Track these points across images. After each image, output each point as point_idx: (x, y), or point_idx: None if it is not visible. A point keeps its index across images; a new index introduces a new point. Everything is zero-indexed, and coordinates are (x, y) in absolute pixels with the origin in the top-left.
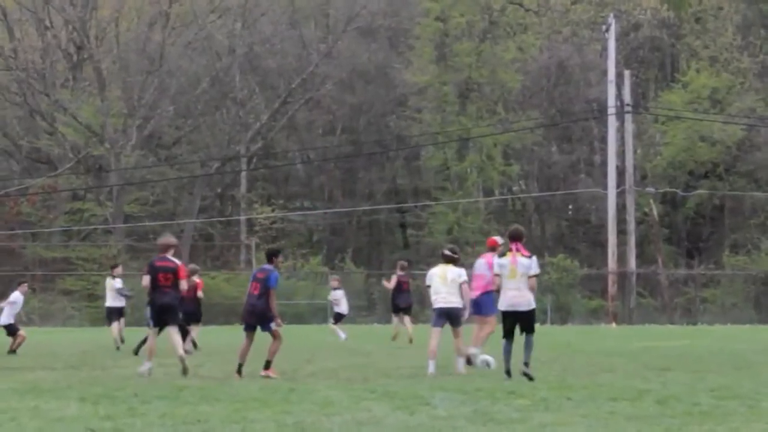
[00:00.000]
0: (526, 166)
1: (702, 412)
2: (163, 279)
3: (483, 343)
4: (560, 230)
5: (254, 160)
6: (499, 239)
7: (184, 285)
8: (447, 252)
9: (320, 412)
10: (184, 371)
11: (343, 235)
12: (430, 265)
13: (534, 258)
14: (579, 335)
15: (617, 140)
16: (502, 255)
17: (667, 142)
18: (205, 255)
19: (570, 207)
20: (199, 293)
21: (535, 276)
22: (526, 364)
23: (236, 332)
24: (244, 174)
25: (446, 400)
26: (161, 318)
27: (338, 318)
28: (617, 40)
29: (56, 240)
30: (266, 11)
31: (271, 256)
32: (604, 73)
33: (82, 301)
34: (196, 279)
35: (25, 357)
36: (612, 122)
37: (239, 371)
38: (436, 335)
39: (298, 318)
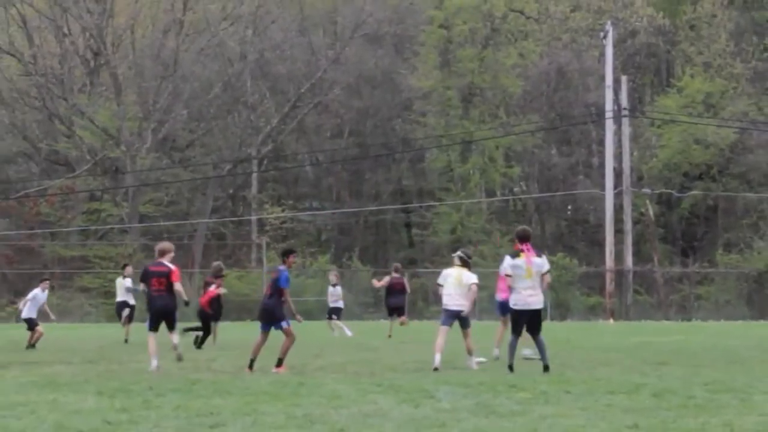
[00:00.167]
0: (527, 168)
1: (696, 405)
2: (157, 283)
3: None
4: (560, 230)
5: (265, 162)
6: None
7: (178, 287)
8: (462, 255)
9: (328, 405)
10: (179, 359)
11: (350, 235)
12: (435, 263)
13: (543, 256)
14: (578, 331)
15: (614, 143)
16: (515, 256)
17: (663, 145)
18: (218, 253)
19: (569, 207)
20: (221, 290)
21: (548, 272)
22: (547, 367)
23: (247, 328)
24: (255, 175)
25: (450, 394)
26: (159, 321)
27: (339, 313)
28: (614, 46)
29: (74, 239)
30: (276, 19)
31: (283, 256)
32: (602, 78)
33: (98, 298)
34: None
35: (44, 352)
36: (609, 126)
37: (251, 366)
38: (443, 333)
39: (306, 314)
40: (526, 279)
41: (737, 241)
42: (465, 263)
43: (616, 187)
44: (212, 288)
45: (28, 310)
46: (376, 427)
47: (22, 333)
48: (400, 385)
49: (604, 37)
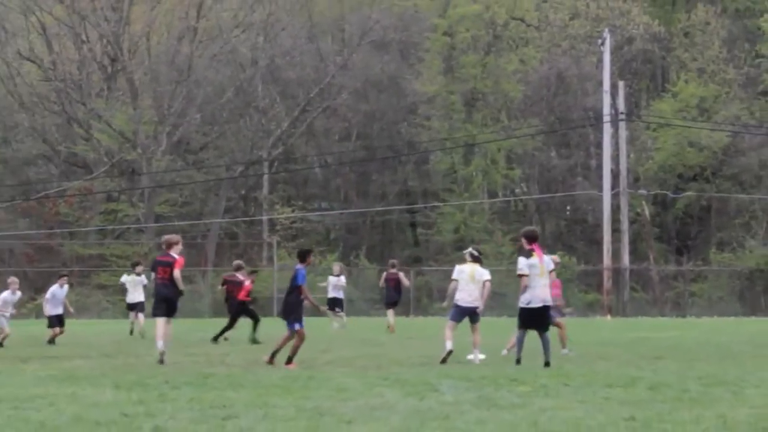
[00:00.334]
0: (528, 169)
1: (691, 398)
2: (162, 272)
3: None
4: (559, 229)
5: (275, 164)
6: (556, 258)
7: (177, 274)
8: (473, 252)
9: (337, 398)
10: (160, 361)
11: (357, 234)
12: (439, 261)
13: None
14: (576, 327)
15: (612, 146)
16: (529, 256)
17: (658, 148)
18: (230, 252)
19: (568, 208)
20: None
21: (553, 270)
22: (548, 363)
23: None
24: (266, 177)
25: (453, 387)
26: (162, 308)
27: (340, 304)
28: (612, 52)
29: (92, 238)
30: (286, 26)
31: (301, 256)
32: (600, 83)
33: (116, 295)
34: (240, 276)
35: (63, 347)
36: (607, 129)
37: (272, 358)
38: (452, 327)
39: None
40: (540, 277)
41: (730, 240)
42: (476, 259)
43: (613, 188)
44: (247, 283)
45: (50, 307)
46: (382, 420)
47: (42, 329)
48: (405, 378)
49: (602, 43)
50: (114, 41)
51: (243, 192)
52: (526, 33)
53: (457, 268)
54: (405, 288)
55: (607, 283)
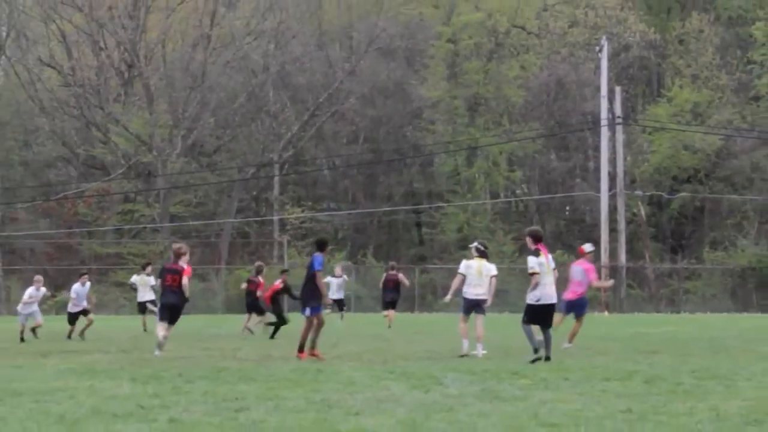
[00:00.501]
0: (528, 171)
1: (685, 391)
2: (170, 280)
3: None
4: (558, 229)
5: (286, 166)
6: (587, 247)
7: (185, 281)
8: (480, 247)
9: (345, 391)
10: (158, 346)
11: (365, 233)
12: (443, 259)
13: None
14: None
15: (609, 149)
16: (537, 255)
17: (654, 151)
18: (242, 251)
19: (567, 208)
20: (258, 292)
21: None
22: (548, 357)
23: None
24: (276, 179)
25: (457, 380)
26: (168, 314)
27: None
28: (609, 59)
29: (109, 237)
30: (297, 34)
31: (318, 245)
32: (598, 88)
33: (132, 292)
34: (259, 279)
35: (82, 341)
36: (604, 133)
37: (301, 349)
38: (464, 320)
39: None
40: (548, 275)
41: (722, 239)
42: (483, 254)
43: (610, 189)
44: (277, 282)
45: (72, 305)
46: (388, 411)
47: (63, 324)
48: (411, 372)
49: (600, 50)
50: (131, 48)
51: (254, 193)
52: (526, 40)
53: (464, 263)
54: (405, 288)
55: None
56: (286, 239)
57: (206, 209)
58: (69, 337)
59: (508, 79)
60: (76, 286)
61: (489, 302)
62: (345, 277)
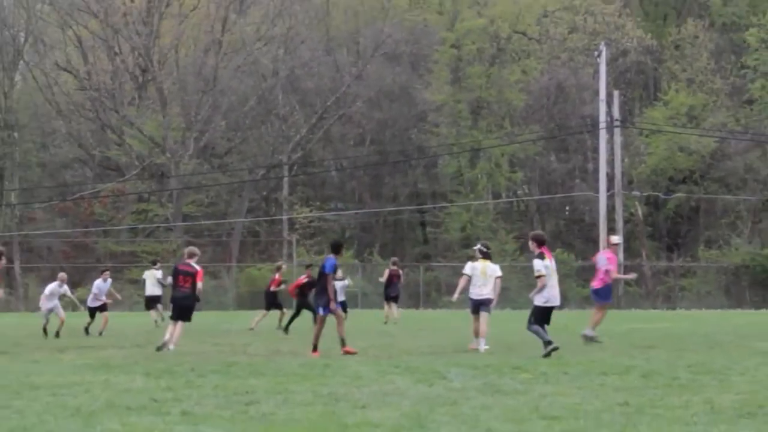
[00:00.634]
0: (529, 173)
1: (680, 385)
2: (182, 280)
3: (597, 325)
4: (558, 228)
5: (295, 167)
6: (614, 238)
7: (200, 286)
8: (483, 249)
9: (351, 384)
10: (158, 348)
11: (371, 232)
12: (447, 258)
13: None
14: (574, 319)
15: (607, 151)
16: (542, 258)
17: (651, 152)
18: (253, 249)
19: (567, 208)
20: (273, 287)
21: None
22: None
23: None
24: (286, 179)
25: (460, 375)
26: (176, 313)
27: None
28: (608, 64)
29: (124, 236)
30: (305, 39)
31: (334, 248)
32: (596, 92)
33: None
34: (276, 276)
35: (98, 337)
36: (603, 135)
37: (343, 345)
38: (475, 320)
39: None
40: (553, 277)
41: (717, 238)
42: (486, 255)
43: (608, 190)
44: (302, 277)
45: (93, 299)
46: (394, 405)
47: (79, 320)
48: (415, 366)
49: (598, 56)
50: (145, 53)
51: (264, 193)
52: (527, 46)
53: (470, 264)
54: (402, 284)
55: None
56: (295, 238)
57: (218, 209)
58: (87, 331)
59: (510, 83)
60: (97, 282)
61: (494, 302)
62: (347, 281)
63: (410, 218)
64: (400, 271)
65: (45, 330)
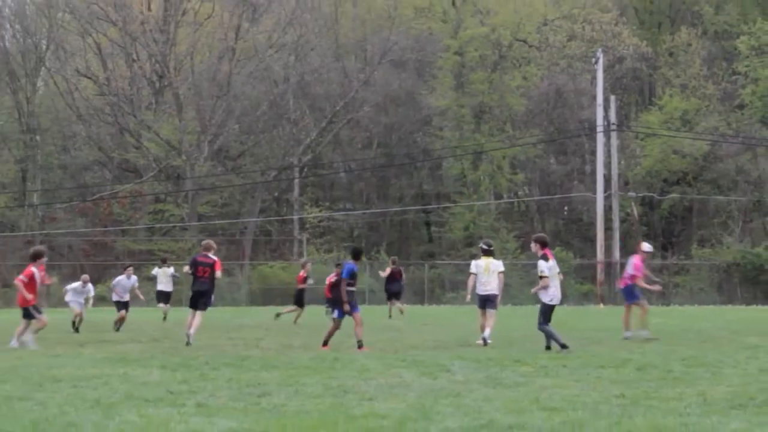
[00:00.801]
0: (529, 174)
1: (674, 378)
2: (201, 271)
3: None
4: (557, 227)
5: (305, 169)
6: (644, 246)
7: (219, 275)
8: (485, 246)
9: (359, 377)
10: (187, 343)
11: (378, 232)
12: (450, 256)
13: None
14: (573, 314)
15: (604, 153)
16: (546, 259)
17: (646, 155)
18: (265, 248)
19: (565, 208)
20: (301, 285)
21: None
22: (549, 347)
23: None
24: (296, 181)
25: (463, 368)
26: (195, 301)
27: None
28: (605, 70)
29: (141, 235)
30: (315, 47)
31: (354, 254)
32: (594, 97)
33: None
34: (301, 272)
35: (117, 332)
36: (600, 138)
37: (359, 345)
38: (482, 315)
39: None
40: (556, 278)
41: (709, 237)
42: (489, 252)
43: (605, 191)
44: (331, 275)
45: (116, 295)
46: (400, 396)
47: (98, 316)
48: (420, 360)
49: (596, 62)
50: (161, 60)
51: (276, 194)
52: (528, 53)
53: (474, 262)
54: (404, 280)
55: (600, 275)
56: (306, 237)
57: (231, 209)
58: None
59: (511, 89)
60: (121, 278)
61: (499, 297)
62: None
63: (415, 218)
64: (401, 269)
65: (74, 323)
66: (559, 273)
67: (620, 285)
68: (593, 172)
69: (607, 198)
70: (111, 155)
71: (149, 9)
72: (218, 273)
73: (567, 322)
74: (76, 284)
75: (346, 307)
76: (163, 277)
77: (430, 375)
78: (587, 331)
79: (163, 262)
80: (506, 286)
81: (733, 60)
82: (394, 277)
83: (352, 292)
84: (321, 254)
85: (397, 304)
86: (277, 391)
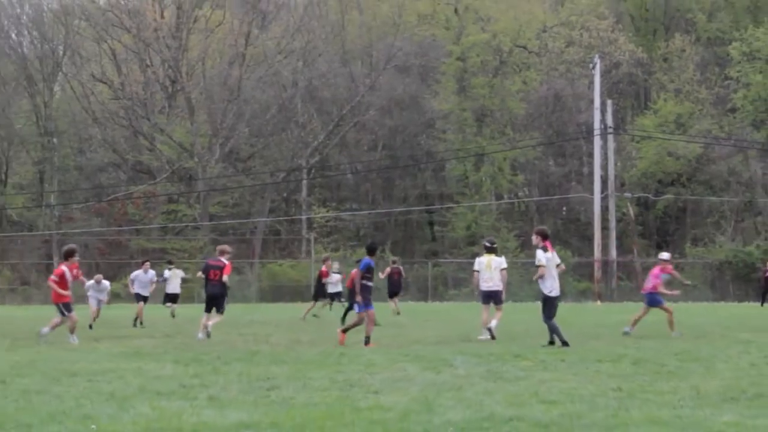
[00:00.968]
0: (529, 176)
1: (669, 372)
2: (213, 275)
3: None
4: (556, 227)
5: (313, 171)
6: (662, 255)
7: (225, 278)
8: (487, 244)
9: (365, 372)
10: (208, 336)
11: (383, 231)
12: (453, 254)
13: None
14: (571, 311)
15: (601, 155)
16: (545, 251)
17: (641, 157)
18: (274, 246)
19: (564, 208)
20: (324, 279)
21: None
22: (552, 342)
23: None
24: (304, 182)
25: (465, 362)
26: (209, 304)
27: (339, 296)
28: (601, 75)
29: (155, 235)
30: (322, 53)
31: (369, 250)
32: (591, 101)
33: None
34: (323, 268)
35: (131, 327)
36: (597, 141)
37: (342, 332)
38: (486, 310)
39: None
40: (554, 269)
41: (702, 236)
42: (491, 250)
43: (602, 191)
44: (354, 271)
45: (135, 288)
46: (404, 390)
47: (113, 312)
48: (423, 355)
49: (593, 68)
50: (174, 65)
51: (285, 195)
52: (528, 59)
53: (477, 260)
54: (404, 278)
55: (597, 273)
56: (313, 236)
57: (241, 209)
58: (141, 323)
59: (512, 93)
60: (138, 273)
61: (503, 293)
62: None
63: (419, 218)
64: (401, 268)
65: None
66: (559, 265)
67: (643, 291)
68: (591, 174)
69: (604, 198)
70: (125, 157)
71: (162, 16)
72: (225, 277)
73: (565, 318)
74: (91, 282)
75: (359, 299)
76: (174, 279)
77: (433, 369)
78: (585, 326)
79: (170, 264)
80: (507, 284)
81: (726, 65)
82: (393, 277)
83: (369, 287)
84: (328, 253)
85: (395, 305)
86: (285, 384)
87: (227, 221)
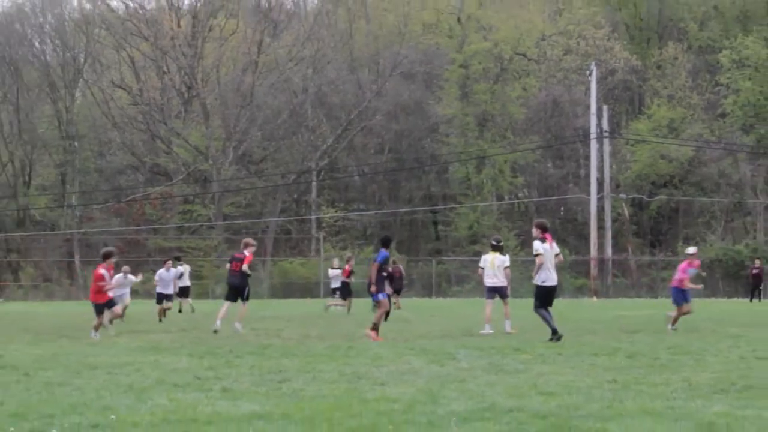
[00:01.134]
0: (529, 177)
1: (661, 365)
2: (234, 266)
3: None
4: (554, 227)
5: (322, 173)
6: (688, 249)
7: (245, 267)
8: (494, 242)
9: (372, 364)
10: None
11: (389, 230)
12: (456, 252)
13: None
14: (568, 307)
15: (597, 158)
16: (543, 241)
17: (636, 160)
18: (285, 245)
19: (561, 209)
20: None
21: (559, 254)
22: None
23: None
24: (314, 184)
25: (468, 356)
26: (232, 294)
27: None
28: (598, 82)
29: (171, 234)
30: (331, 60)
31: (384, 242)
32: (588, 107)
33: (192, 280)
34: (347, 267)
35: (148, 323)
36: (593, 144)
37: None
38: (489, 306)
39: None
40: (550, 260)
41: (694, 235)
42: (498, 248)
43: (598, 193)
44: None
45: (159, 287)
46: (409, 382)
47: (131, 308)
48: (428, 348)
49: (590, 74)
50: (190, 72)
51: (295, 196)
52: (527, 66)
53: (483, 257)
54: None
55: (593, 270)
56: (322, 235)
57: (254, 209)
58: (160, 319)
59: (512, 99)
60: (161, 271)
61: (508, 290)
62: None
63: (424, 218)
64: (401, 267)
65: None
66: (557, 255)
67: (671, 284)
68: (587, 176)
69: (600, 199)
70: (143, 160)
71: (179, 25)
72: (244, 266)
73: (563, 314)
74: (118, 276)
75: (373, 288)
76: (184, 273)
77: (437, 362)
78: (581, 321)
79: (178, 260)
80: (510, 281)
81: (716, 72)
82: (394, 276)
83: (384, 277)
84: (337, 250)
85: (396, 300)
86: (296, 377)
87: (240, 221)
